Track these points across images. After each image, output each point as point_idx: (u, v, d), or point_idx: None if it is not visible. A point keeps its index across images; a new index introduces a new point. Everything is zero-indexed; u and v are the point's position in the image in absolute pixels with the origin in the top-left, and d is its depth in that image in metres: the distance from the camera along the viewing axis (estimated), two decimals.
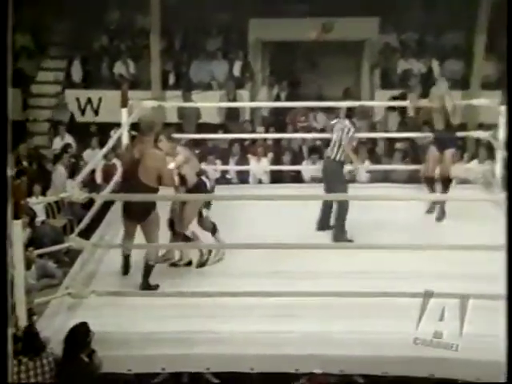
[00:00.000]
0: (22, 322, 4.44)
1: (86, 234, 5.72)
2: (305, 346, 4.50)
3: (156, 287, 5.19)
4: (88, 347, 4.28)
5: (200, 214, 5.67)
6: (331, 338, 4.53)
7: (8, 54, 2.93)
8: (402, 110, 9.96)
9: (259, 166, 9.01)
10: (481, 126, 8.09)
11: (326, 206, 6.21)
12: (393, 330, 4.50)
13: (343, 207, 5.96)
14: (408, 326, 4.39)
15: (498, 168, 7.08)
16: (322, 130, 9.42)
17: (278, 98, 10.67)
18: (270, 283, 5.11)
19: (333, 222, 6.16)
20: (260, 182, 8.82)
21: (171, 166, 5.38)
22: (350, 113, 6.22)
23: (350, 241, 5.96)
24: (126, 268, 5.42)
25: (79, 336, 4.27)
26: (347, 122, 6.13)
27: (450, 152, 6.48)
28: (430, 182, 6.63)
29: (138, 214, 5.17)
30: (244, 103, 10.66)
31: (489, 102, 7.28)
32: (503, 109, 6.86)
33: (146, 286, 5.17)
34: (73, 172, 9.03)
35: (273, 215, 6.23)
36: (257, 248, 5.24)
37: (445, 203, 6.41)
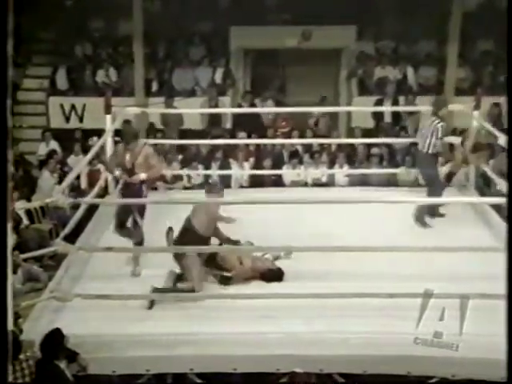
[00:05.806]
0: (9, 325, 4.49)
1: (71, 238, 5.78)
2: (286, 346, 4.59)
3: None
4: (62, 353, 4.30)
5: (135, 222, 5.59)
6: (312, 338, 4.63)
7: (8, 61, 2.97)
8: (379, 115, 10.18)
9: (241, 170, 9.08)
10: (454, 131, 8.29)
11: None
12: (374, 330, 4.60)
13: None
14: (392, 326, 4.54)
15: (472, 172, 7.31)
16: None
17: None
18: (254, 285, 5.27)
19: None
20: (242, 186, 8.88)
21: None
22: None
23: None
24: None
25: (52, 343, 4.29)
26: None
27: None
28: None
29: None
30: (226, 109, 10.74)
31: (462, 108, 7.50)
32: (476, 114, 7.10)
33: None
34: (59, 177, 9.04)
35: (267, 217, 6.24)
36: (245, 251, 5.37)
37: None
